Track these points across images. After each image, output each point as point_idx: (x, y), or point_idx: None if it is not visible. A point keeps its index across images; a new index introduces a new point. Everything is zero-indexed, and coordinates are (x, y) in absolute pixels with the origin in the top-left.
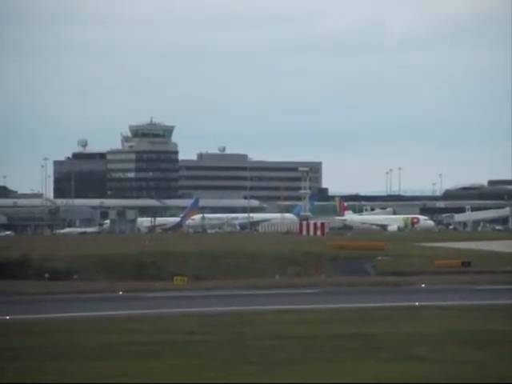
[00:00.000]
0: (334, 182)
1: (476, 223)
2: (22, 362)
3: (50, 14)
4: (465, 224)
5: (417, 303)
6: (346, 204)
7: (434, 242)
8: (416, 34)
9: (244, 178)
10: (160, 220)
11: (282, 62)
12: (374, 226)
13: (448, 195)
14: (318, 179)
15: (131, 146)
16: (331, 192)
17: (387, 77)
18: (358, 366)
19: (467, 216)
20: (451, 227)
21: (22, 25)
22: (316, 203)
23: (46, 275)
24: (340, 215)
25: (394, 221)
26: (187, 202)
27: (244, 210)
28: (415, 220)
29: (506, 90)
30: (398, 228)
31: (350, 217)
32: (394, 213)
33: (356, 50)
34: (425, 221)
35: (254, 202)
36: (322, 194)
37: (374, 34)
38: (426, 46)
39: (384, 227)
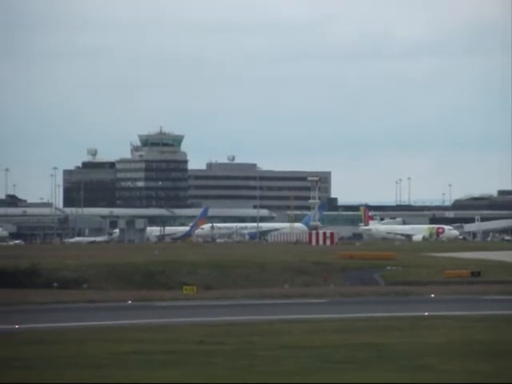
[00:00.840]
0: (344, 192)
1: (485, 233)
2: (31, 371)
3: (62, 20)
4: (474, 234)
5: (426, 313)
6: (371, 214)
7: (443, 252)
8: (425, 41)
9: (253, 188)
10: (169, 229)
11: (292, 70)
12: (398, 236)
13: (457, 205)
14: (328, 189)
15: (141, 156)
16: (340, 202)
17: (396, 85)
18: (367, 375)
19: (477, 226)
20: (461, 237)
21: (34, 30)
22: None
23: (55, 284)
24: (365, 225)
25: (419, 230)
26: (196, 212)
27: (253, 219)
28: (440, 230)
29: None
30: (423, 238)
31: (374, 226)
32: (404, 223)
33: (364, 58)
34: (449, 231)
35: (264, 212)
36: (331, 204)
37: (381, 42)
38: (437, 54)
39: (409, 237)
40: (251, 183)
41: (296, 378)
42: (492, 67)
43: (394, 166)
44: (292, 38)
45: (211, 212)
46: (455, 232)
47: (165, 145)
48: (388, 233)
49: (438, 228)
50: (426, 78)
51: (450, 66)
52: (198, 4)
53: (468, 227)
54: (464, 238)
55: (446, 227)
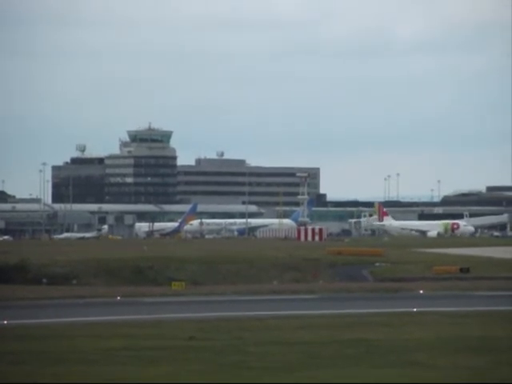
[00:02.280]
0: (332, 188)
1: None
2: (20, 366)
3: (49, 17)
4: None
5: (415, 309)
6: (385, 210)
7: (432, 248)
8: (417, 39)
9: (242, 184)
10: (158, 225)
11: (281, 67)
12: (413, 232)
13: (446, 201)
14: (316, 185)
15: (129, 151)
16: (329, 198)
17: (385, 83)
18: (356, 372)
19: (465, 222)
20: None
21: (19, 27)
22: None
23: (44, 280)
24: (379, 220)
25: (433, 226)
26: (185, 208)
27: (242, 215)
28: (455, 226)
29: (505, 95)
30: (438, 234)
31: (389, 222)
32: (392, 219)
33: (355, 56)
34: (465, 226)
35: (252, 208)
36: (319, 200)
37: (375, 40)
38: (426, 52)
39: (424, 233)
40: (240, 179)
41: (286, 374)
42: (480, 65)
43: (383, 162)
44: (286, 35)
45: (200, 208)
46: (470, 228)
47: (154, 141)
48: (402, 228)
49: (453, 224)
50: (417, 76)
51: (444, 65)
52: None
53: None
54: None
55: (462, 223)
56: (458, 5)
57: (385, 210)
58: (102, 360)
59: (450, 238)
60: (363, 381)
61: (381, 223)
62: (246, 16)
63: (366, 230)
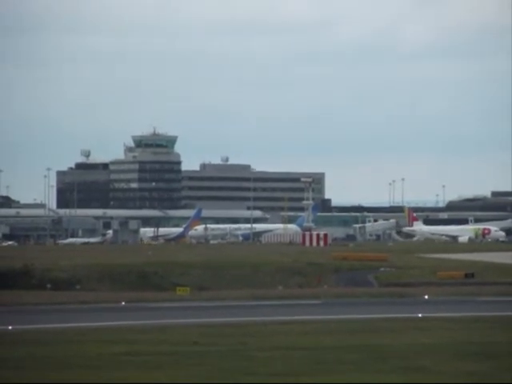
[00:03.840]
0: (337, 193)
1: None
2: (24, 371)
3: (52, 22)
4: None
5: (420, 314)
6: (415, 215)
7: (437, 253)
8: (421, 45)
9: (247, 189)
10: (163, 230)
11: (285, 72)
12: (444, 237)
13: (451, 206)
14: (321, 190)
15: (134, 157)
16: (334, 203)
17: (391, 88)
18: (360, 377)
19: (496, 227)
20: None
21: (23, 33)
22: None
23: (49, 285)
24: (409, 225)
25: (464, 232)
26: (190, 213)
27: (247, 220)
28: (486, 231)
29: (510, 100)
30: (469, 239)
31: (419, 227)
32: (397, 224)
33: (359, 61)
34: (496, 232)
35: (257, 213)
36: (324, 205)
37: (379, 45)
38: (430, 57)
39: (455, 238)
40: (245, 184)
41: (290, 379)
42: (484, 71)
43: (388, 167)
44: (290, 39)
45: (205, 213)
46: (501, 233)
47: (158, 146)
48: (432, 234)
49: (484, 229)
50: (422, 80)
51: (448, 69)
52: (190, 5)
53: None
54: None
55: (493, 228)
56: (461, 9)
57: (415, 214)
58: (106, 365)
59: (480, 243)
60: None
61: (411, 228)
62: (250, 20)
63: (370, 235)
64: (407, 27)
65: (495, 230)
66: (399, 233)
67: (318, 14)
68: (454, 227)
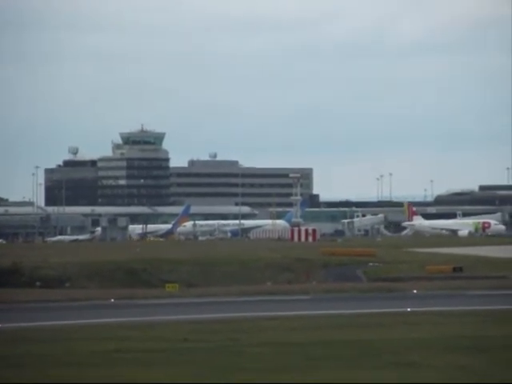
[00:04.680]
0: (325, 189)
1: None
2: (15, 369)
3: (39, 20)
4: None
5: (409, 309)
6: (414, 209)
7: (425, 247)
8: (412, 40)
9: (235, 185)
10: (151, 227)
11: (273, 68)
12: (444, 231)
13: (439, 201)
14: (309, 185)
15: (122, 154)
16: (322, 198)
17: (379, 83)
18: (350, 372)
19: (496, 221)
20: (446, 233)
21: (11, 30)
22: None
23: (38, 283)
24: (408, 220)
25: (464, 226)
26: (178, 209)
27: (235, 216)
28: (486, 225)
29: (498, 95)
30: (469, 233)
31: (419, 222)
32: (386, 219)
33: (351, 56)
34: (496, 225)
35: (246, 209)
36: (312, 201)
37: (373, 41)
38: (419, 53)
39: (454, 232)
40: (233, 180)
41: (280, 375)
42: (473, 65)
43: (376, 162)
44: (279, 37)
45: (193, 209)
46: (501, 226)
47: (146, 143)
48: (433, 228)
49: (484, 223)
50: (409, 76)
51: (435, 65)
52: (182, 2)
53: None
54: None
55: (492, 222)
56: (457, 4)
57: (414, 209)
58: (97, 363)
59: (480, 237)
60: (358, 381)
61: (410, 223)
62: (241, 18)
63: (359, 230)
64: (399, 23)
65: (495, 223)
66: (397, 227)
67: (310, 12)
68: (453, 221)
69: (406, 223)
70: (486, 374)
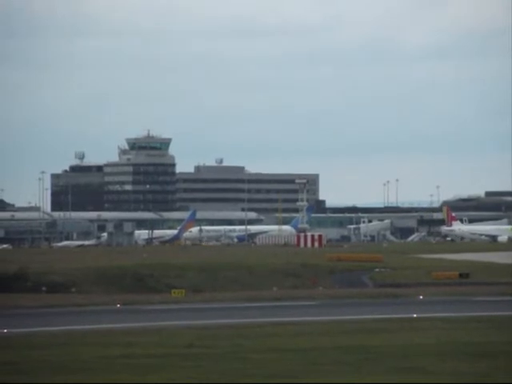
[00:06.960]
0: (332, 194)
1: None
2: (19, 375)
3: (46, 27)
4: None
5: (415, 315)
6: (453, 215)
7: (431, 253)
8: (420, 46)
9: (241, 190)
10: (157, 232)
11: (279, 74)
12: (483, 237)
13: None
14: (315, 191)
15: (128, 159)
16: (328, 204)
17: (386, 90)
18: (357, 378)
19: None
20: (449, 239)
21: (18, 36)
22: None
23: (44, 288)
24: (448, 225)
25: (503, 231)
26: (184, 215)
27: (241, 222)
28: None
29: (504, 101)
30: (509, 238)
31: (458, 227)
32: (392, 224)
33: (353, 63)
34: None
35: (252, 214)
36: (319, 206)
37: (377, 49)
38: (425, 59)
39: (494, 238)
40: (239, 186)
41: (287, 381)
42: (479, 72)
43: (382, 168)
44: (285, 42)
45: (199, 215)
46: None
47: (152, 148)
48: (472, 233)
49: None
50: (416, 82)
51: (442, 70)
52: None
53: None
54: (452, 240)
55: None
56: (462, 9)
57: (453, 214)
58: (102, 368)
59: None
60: None
61: (450, 228)
62: (246, 22)
63: (365, 236)
64: (403, 29)
65: None
66: (435, 233)
67: (315, 17)
68: (493, 227)
69: (445, 228)
70: (493, 380)
